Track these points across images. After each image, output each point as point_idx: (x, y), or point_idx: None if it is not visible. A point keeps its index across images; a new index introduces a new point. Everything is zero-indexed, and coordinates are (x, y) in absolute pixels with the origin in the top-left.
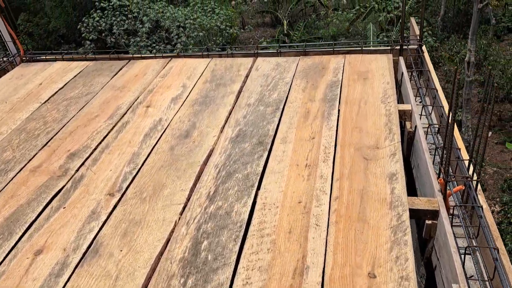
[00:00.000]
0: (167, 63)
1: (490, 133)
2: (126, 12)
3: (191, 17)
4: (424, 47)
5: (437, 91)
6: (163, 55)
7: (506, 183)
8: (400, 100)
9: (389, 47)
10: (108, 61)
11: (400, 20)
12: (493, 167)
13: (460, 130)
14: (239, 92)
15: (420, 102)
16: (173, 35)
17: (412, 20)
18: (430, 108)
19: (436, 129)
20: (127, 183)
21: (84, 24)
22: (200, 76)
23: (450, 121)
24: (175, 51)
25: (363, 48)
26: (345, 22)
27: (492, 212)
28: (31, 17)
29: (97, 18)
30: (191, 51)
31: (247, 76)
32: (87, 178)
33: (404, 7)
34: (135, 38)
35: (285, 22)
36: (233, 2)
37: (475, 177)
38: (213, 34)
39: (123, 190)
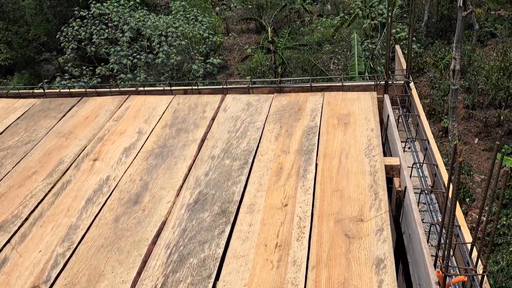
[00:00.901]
0: (124, 101)
1: (476, 139)
2: (106, 21)
3: (173, 25)
4: (412, 84)
5: (428, 142)
6: (121, 89)
7: (494, 193)
8: (386, 145)
9: (372, 83)
10: (58, 98)
11: (385, 50)
12: (480, 175)
13: (446, 137)
14: (203, 140)
15: (409, 148)
16: (155, 44)
17: (398, 49)
18: (420, 153)
19: (430, 187)
20: (58, 270)
21: (64, 33)
22: (160, 119)
23: (450, 202)
24: (138, 78)
25: (344, 84)
26: (329, 29)
27: (482, 222)
28: (10, 26)
29: (76, 27)
30: (173, 60)
31: (213, 119)
32: (10, 263)
33: (389, 36)
34: (116, 48)
35: (269, 29)
36: (217, 9)
37: (480, 268)
38: (196, 42)
39: (51, 281)
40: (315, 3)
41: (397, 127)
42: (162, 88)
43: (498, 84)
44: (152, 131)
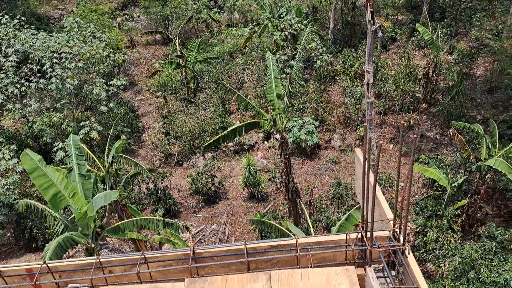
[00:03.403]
0: None
1: (391, 145)
2: None
3: (67, 44)
4: (411, 257)
5: None
6: None
7: (418, 206)
8: None
9: (341, 237)
10: None
11: (360, 206)
12: (400, 182)
13: (363, 145)
14: None
15: None
16: (46, 68)
17: (358, 152)
18: None
19: None
20: None
21: None
22: None
23: None
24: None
25: (300, 243)
26: (240, 39)
27: (408, 234)
28: None
29: None
30: (70, 84)
31: None
32: None
33: (364, 197)
34: None
35: (177, 42)
36: (118, 19)
37: None
38: (96, 62)
39: None
40: (222, 11)
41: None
42: None
43: (405, 90)
44: None
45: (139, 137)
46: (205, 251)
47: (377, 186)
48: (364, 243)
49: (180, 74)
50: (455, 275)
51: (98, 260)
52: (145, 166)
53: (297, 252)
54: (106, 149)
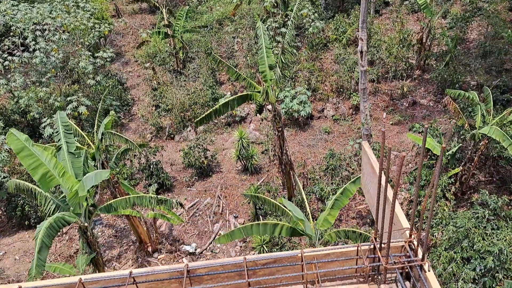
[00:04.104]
0: None
1: (384, 114)
2: None
3: (50, 16)
4: (432, 273)
5: None
6: None
7: (412, 175)
8: None
9: (353, 249)
10: None
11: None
12: (393, 151)
13: (356, 114)
14: None
15: None
16: (30, 41)
17: (365, 146)
18: None
19: None
20: None
21: None
22: None
23: None
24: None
25: (305, 254)
26: (229, 6)
27: (401, 204)
28: None
29: None
30: (55, 58)
31: None
32: None
33: (379, 206)
34: None
35: (164, 10)
36: None
37: None
38: (80, 34)
39: None
40: None
41: None
42: None
43: (399, 56)
44: None
45: (129, 110)
46: (200, 268)
47: (388, 185)
48: (376, 255)
49: (168, 44)
50: (449, 244)
51: (80, 282)
52: (136, 140)
53: (302, 269)
54: (95, 125)
